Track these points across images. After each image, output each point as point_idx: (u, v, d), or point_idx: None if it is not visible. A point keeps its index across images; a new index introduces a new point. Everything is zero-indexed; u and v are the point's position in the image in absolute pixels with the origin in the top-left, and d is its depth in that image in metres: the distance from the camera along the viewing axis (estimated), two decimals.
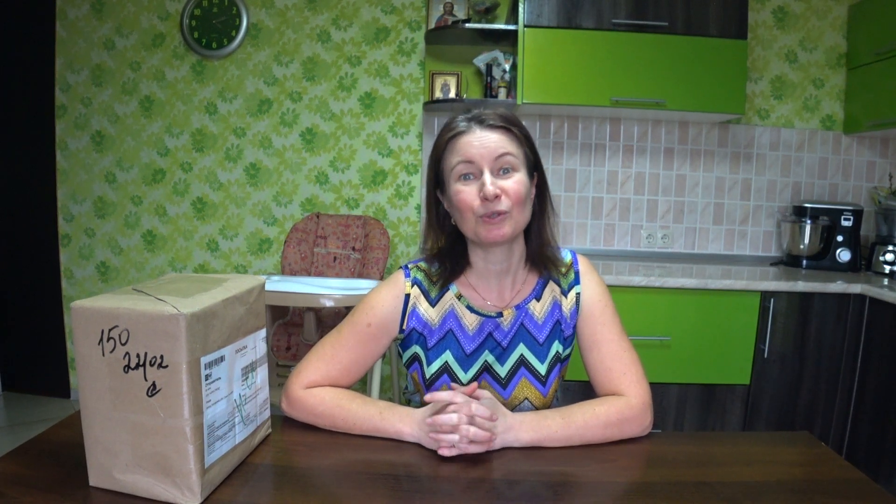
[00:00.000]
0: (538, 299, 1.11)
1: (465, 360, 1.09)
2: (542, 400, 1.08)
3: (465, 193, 1.02)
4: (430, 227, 1.12)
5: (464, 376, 1.08)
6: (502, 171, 1.02)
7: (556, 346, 1.10)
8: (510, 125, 1.03)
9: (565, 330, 1.11)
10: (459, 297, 1.11)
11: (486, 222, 1.01)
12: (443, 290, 1.11)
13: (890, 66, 2.50)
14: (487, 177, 1.00)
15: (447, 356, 1.09)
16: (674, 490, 0.85)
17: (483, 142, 1.01)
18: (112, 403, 0.75)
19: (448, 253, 1.11)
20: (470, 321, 1.10)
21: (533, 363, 1.09)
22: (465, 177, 1.02)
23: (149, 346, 0.73)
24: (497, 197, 0.99)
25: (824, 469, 0.94)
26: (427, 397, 0.94)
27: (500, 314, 1.10)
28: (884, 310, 2.14)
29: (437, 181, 1.09)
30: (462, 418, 0.89)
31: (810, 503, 0.82)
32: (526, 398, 1.08)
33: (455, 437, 0.89)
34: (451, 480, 0.86)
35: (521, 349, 1.09)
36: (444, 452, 0.90)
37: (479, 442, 0.90)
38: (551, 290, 1.12)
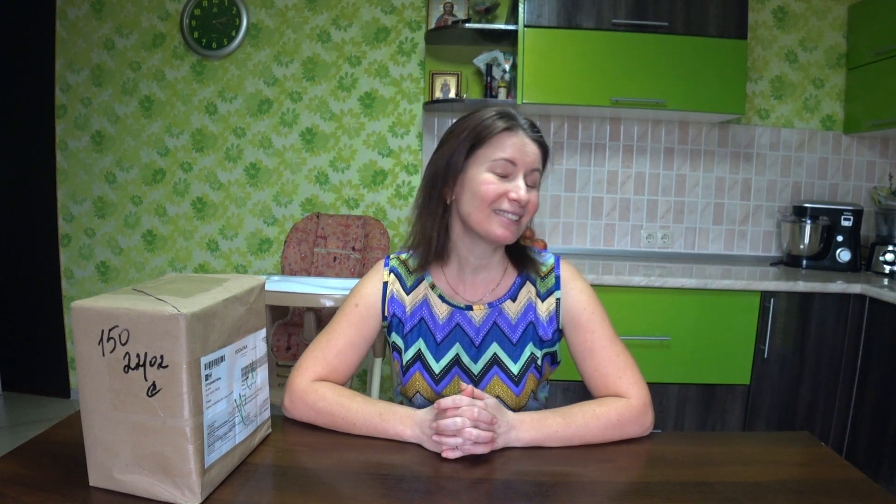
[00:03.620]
0: (513, 300, 1.13)
1: (437, 349, 1.11)
2: (514, 399, 1.09)
3: (493, 186, 1.03)
4: (425, 208, 1.10)
5: (436, 366, 1.10)
6: (530, 183, 1.06)
7: (531, 348, 1.10)
8: (545, 146, 1.09)
9: (542, 334, 1.11)
10: (433, 286, 1.14)
11: (499, 216, 1.04)
12: (418, 279, 1.15)
13: (890, 66, 2.50)
14: (521, 183, 1.04)
15: (420, 344, 1.11)
16: (674, 490, 0.85)
17: (528, 149, 1.05)
18: (112, 403, 0.75)
19: (427, 242, 1.11)
20: (441, 311, 1.12)
21: (506, 362, 1.10)
22: (499, 172, 1.04)
23: (149, 346, 0.73)
24: (523, 205, 1.04)
25: (824, 469, 0.94)
26: (434, 405, 0.94)
27: (470, 307, 1.12)
28: (884, 310, 2.14)
29: (449, 162, 1.06)
30: (465, 422, 0.89)
31: (810, 503, 0.82)
32: (498, 396, 1.08)
33: (458, 440, 0.89)
34: (451, 480, 0.86)
35: (495, 348, 1.10)
36: (449, 455, 0.91)
37: (481, 443, 0.91)
38: (527, 292, 1.13)
